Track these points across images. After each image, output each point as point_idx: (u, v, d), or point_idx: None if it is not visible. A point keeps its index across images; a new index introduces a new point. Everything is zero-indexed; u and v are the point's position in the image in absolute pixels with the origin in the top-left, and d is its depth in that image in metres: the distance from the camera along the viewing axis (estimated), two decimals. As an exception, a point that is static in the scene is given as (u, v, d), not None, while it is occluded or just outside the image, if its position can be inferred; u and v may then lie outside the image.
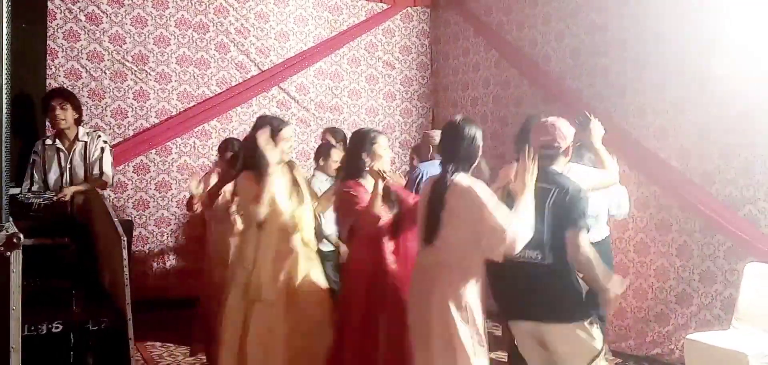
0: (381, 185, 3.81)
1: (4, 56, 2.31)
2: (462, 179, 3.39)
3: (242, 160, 4.12)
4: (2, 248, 2.30)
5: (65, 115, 5.17)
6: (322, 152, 5.52)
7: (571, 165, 3.76)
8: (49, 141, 5.25)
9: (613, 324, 5.66)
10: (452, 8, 8.13)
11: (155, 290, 6.66)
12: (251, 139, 3.93)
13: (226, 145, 5.71)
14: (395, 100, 8.19)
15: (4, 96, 2.32)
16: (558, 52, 6.63)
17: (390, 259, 3.93)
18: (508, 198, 3.43)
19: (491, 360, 3.61)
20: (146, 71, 6.78)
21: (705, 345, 4.44)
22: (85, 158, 5.25)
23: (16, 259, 2.34)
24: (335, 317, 3.98)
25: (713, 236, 5.19)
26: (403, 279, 3.80)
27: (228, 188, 4.79)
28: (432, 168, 5.26)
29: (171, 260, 6.88)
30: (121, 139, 6.65)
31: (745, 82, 4.99)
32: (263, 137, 3.81)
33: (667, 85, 5.49)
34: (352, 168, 4.03)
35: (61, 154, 5.19)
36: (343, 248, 4.93)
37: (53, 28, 6.37)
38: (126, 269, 3.42)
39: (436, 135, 5.99)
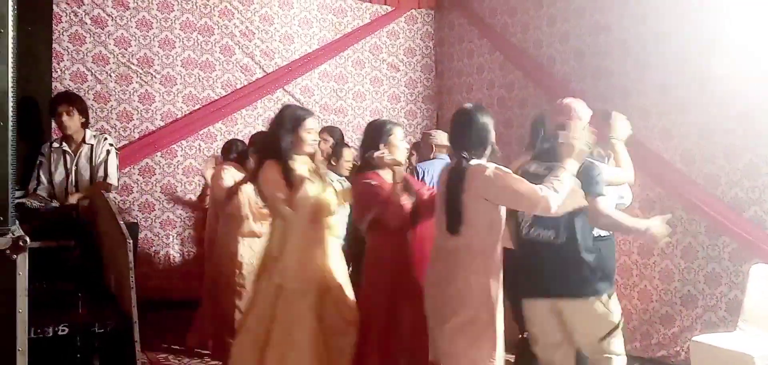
0: (401, 172, 3.82)
1: (11, 59, 2.32)
2: (477, 162, 3.43)
3: (264, 148, 4.01)
4: (9, 251, 2.31)
5: (71, 121, 5.19)
6: (335, 152, 5.50)
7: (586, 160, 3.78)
8: (55, 144, 5.27)
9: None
10: (456, 10, 8.14)
11: (161, 292, 6.67)
12: (275, 127, 3.86)
13: (230, 146, 5.72)
14: (400, 102, 8.19)
15: (11, 99, 2.33)
16: (562, 53, 6.62)
17: (411, 250, 3.95)
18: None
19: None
20: (151, 74, 6.80)
21: (711, 347, 4.43)
22: (91, 160, 5.26)
23: (22, 262, 2.34)
24: (359, 312, 3.95)
25: (718, 237, 5.18)
26: (422, 270, 3.80)
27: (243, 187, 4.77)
28: (431, 167, 5.26)
29: (177, 262, 6.89)
30: (127, 141, 6.67)
31: (746, 83, 4.98)
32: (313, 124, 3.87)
33: (670, 86, 5.49)
34: (369, 161, 3.97)
35: (68, 156, 5.21)
36: None
37: (59, 31, 6.39)
38: (132, 272, 3.42)
39: (437, 135, 6.00)
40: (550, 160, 3.52)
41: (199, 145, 7.04)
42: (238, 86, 7.22)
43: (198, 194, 6.77)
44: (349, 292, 3.95)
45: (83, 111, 5.32)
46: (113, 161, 5.36)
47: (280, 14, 7.45)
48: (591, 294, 3.53)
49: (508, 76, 7.32)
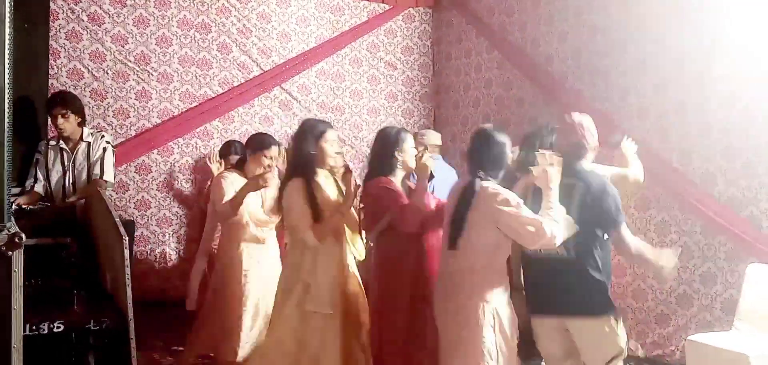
0: (427, 176, 3.81)
1: (7, 57, 2.32)
2: (491, 186, 3.45)
3: (289, 165, 3.99)
4: (4, 248, 2.30)
5: (67, 122, 5.18)
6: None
7: (594, 165, 3.81)
8: (52, 142, 5.26)
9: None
10: (454, 9, 8.14)
11: (157, 290, 6.67)
12: (299, 143, 3.85)
13: (229, 148, 5.67)
14: (397, 100, 8.19)
15: (7, 97, 2.32)
16: (560, 53, 6.63)
17: (429, 255, 3.92)
18: (534, 203, 3.50)
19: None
20: (148, 71, 6.79)
21: (706, 346, 4.44)
22: (88, 158, 5.26)
23: (17, 258, 2.34)
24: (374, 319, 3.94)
25: (714, 237, 5.19)
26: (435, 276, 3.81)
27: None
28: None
29: (173, 260, 6.88)
30: (123, 139, 6.65)
31: (745, 83, 4.99)
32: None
33: (668, 86, 5.50)
34: (383, 165, 3.96)
35: (65, 154, 5.20)
36: None
37: (55, 29, 6.37)
38: (128, 270, 3.42)
39: (428, 135, 6.01)
40: (565, 176, 3.53)
41: (196, 142, 7.03)
42: (235, 84, 7.21)
43: (197, 190, 6.77)
44: (366, 316, 3.99)
45: (79, 111, 5.30)
46: (110, 158, 5.35)
47: (277, 12, 7.44)
48: (600, 313, 3.53)
49: (506, 75, 7.32)
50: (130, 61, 6.70)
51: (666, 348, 5.41)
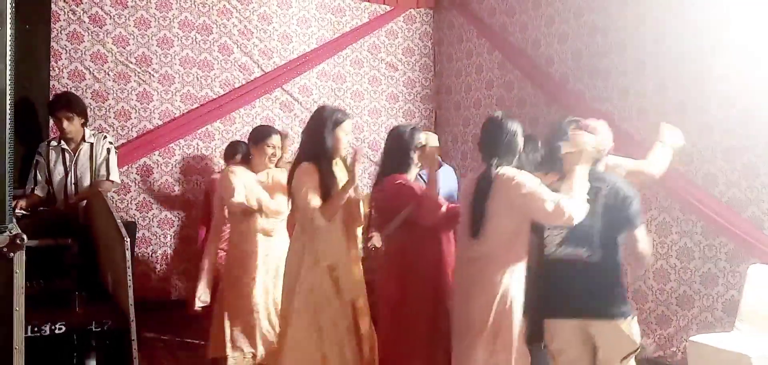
0: (436, 166, 3.80)
1: (8, 58, 2.32)
2: (507, 170, 3.47)
3: (302, 148, 3.90)
4: (5, 249, 2.31)
5: (72, 125, 5.18)
6: None
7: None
8: (53, 142, 5.26)
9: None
10: (455, 10, 8.14)
11: (158, 291, 6.68)
12: (315, 128, 3.80)
13: (235, 148, 5.63)
14: (398, 101, 8.19)
15: (8, 98, 2.33)
16: (560, 54, 6.63)
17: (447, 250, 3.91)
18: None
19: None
20: (150, 73, 6.80)
21: (708, 347, 4.44)
22: (91, 159, 5.26)
23: (19, 260, 2.34)
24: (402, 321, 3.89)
25: (715, 238, 5.18)
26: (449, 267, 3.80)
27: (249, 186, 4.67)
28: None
29: (174, 261, 6.88)
30: (125, 140, 6.66)
31: (746, 83, 4.99)
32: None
33: (668, 86, 5.50)
34: (399, 162, 3.95)
35: (67, 155, 5.20)
36: None
37: (57, 30, 6.38)
38: (129, 271, 3.42)
39: (429, 138, 6.00)
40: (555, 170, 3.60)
41: (198, 144, 7.03)
42: (237, 85, 7.22)
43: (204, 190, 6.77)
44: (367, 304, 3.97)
45: (83, 113, 5.31)
46: (114, 160, 5.36)
47: (278, 13, 7.45)
48: (621, 315, 3.54)
49: (507, 76, 7.32)
50: (132, 63, 6.71)
51: (667, 349, 5.41)
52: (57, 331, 3.36)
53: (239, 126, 7.18)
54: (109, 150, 5.33)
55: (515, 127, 3.59)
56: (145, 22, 6.78)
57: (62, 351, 3.60)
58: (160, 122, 6.85)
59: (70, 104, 5.21)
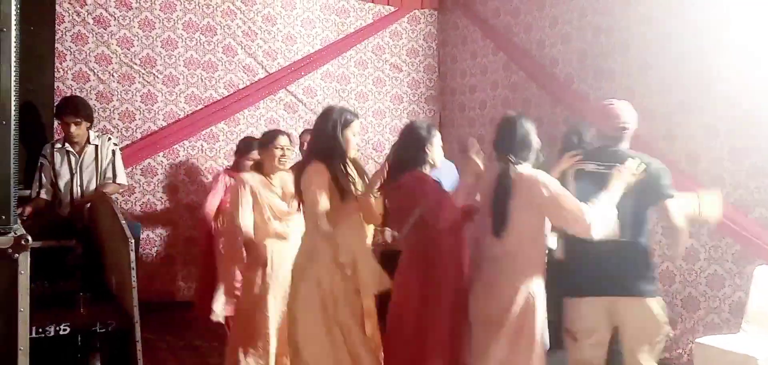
0: (475, 168, 3.73)
1: (13, 59, 2.32)
2: (526, 169, 3.48)
3: (314, 148, 3.83)
4: (11, 250, 2.30)
5: (79, 129, 5.18)
6: None
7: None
8: (58, 144, 5.26)
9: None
10: (460, 11, 8.13)
11: (162, 292, 6.68)
12: (324, 128, 3.75)
13: (249, 145, 5.49)
14: (402, 102, 8.19)
15: (13, 99, 2.33)
16: (565, 54, 6.62)
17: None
18: (578, 190, 3.55)
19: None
20: (154, 74, 6.80)
21: (714, 349, 4.42)
22: (96, 161, 5.26)
23: (24, 261, 2.34)
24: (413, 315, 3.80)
25: (721, 239, 5.16)
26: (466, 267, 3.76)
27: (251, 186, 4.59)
28: (439, 173, 5.20)
29: (178, 263, 6.88)
30: (129, 142, 6.67)
31: (751, 84, 4.97)
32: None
33: (674, 86, 5.48)
34: (415, 158, 3.80)
35: (72, 157, 5.20)
36: None
37: (61, 31, 6.39)
38: (133, 272, 3.42)
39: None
40: (605, 160, 3.63)
41: (202, 145, 7.04)
42: (241, 87, 7.22)
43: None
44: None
45: (90, 117, 5.31)
46: (120, 162, 5.37)
47: (282, 14, 7.45)
48: (650, 294, 3.62)
49: (512, 77, 7.31)
50: (136, 64, 6.72)
51: (673, 351, 5.38)
52: (61, 332, 3.37)
53: (244, 127, 7.18)
54: (114, 152, 5.33)
55: (528, 126, 3.60)
56: (150, 24, 6.79)
57: (67, 352, 3.60)
58: (165, 124, 6.85)
59: (79, 110, 5.21)
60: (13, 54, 2.32)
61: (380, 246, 5.19)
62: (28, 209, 4.96)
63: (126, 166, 6.09)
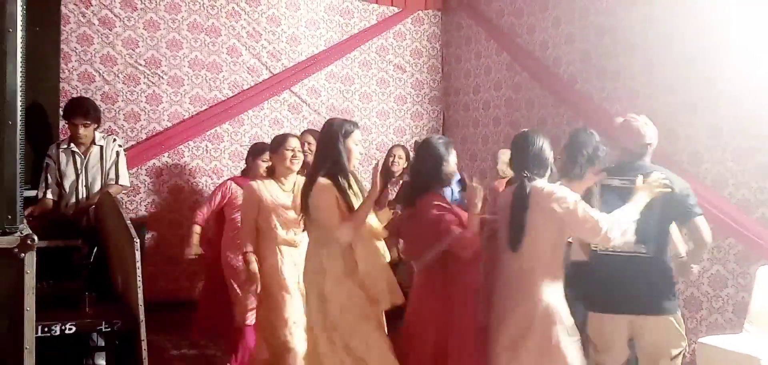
0: (480, 194, 3.60)
1: (19, 60, 2.34)
2: (541, 183, 3.50)
3: (318, 163, 3.79)
4: (17, 250, 2.32)
5: (87, 131, 5.21)
6: None
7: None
8: (64, 145, 5.28)
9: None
10: (463, 12, 8.14)
11: (167, 292, 6.69)
12: (327, 142, 3.76)
13: (262, 148, 5.40)
14: (406, 103, 8.20)
15: (19, 100, 2.34)
16: (568, 55, 6.62)
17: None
18: (602, 203, 3.63)
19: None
20: (159, 75, 6.82)
21: (717, 349, 4.42)
22: (100, 162, 5.28)
23: (30, 260, 2.36)
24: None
25: (725, 239, 5.16)
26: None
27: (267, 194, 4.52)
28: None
29: (183, 263, 6.89)
30: (134, 142, 6.69)
31: (755, 84, 4.97)
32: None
33: (677, 87, 5.48)
34: (433, 179, 3.70)
35: (77, 158, 5.22)
36: None
37: (67, 32, 6.41)
38: (139, 272, 3.44)
39: None
40: (630, 175, 3.69)
41: (206, 146, 7.05)
42: (245, 87, 7.23)
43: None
44: None
45: (98, 119, 5.34)
46: (123, 163, 5.39)
47: (286, 15, 7.47)
48: (671, 311, 3.67)
49: (516, 78, 7.32)
50: (141, 65, 6.74)
51: (676, 350, 5.39)
52: (67, 331, 3.39)
53: (248, 128, 7.20)
54: (118, 153, 5.35)
55: (542, 142, 3.60)
56: (155, 25, 6.81)
57: (72, 351, 3.62)
58: (170, 124, 6.87)
59: (88, 112, 5.22)
60: (19, 55, 2.34)
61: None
62: (35, 210, 4.99)
63: (131, 166, 6.13)
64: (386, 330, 3.82)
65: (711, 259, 5.23)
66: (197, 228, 5.36)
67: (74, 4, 6.45)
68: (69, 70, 6.40)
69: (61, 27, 6.37)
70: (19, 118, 2.34)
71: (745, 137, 5.04)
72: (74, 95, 6.10)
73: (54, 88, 6.17)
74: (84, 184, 5.22)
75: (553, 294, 3.45)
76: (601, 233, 3.30)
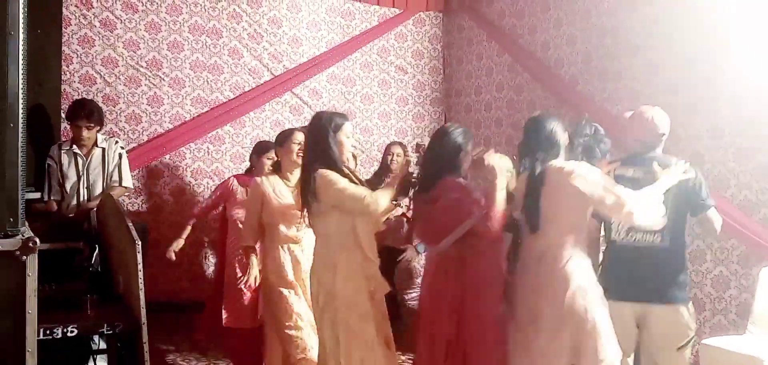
0: (505, 177, 3.62)
1: (21, 62, 2.34)
2: (560, 162, 3.52)
3: (312, 156, 3.74)
4: (18, 252, 2.32)
5: (90, 133, 5.21)
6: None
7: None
8: (65, 146, 5.28)
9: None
10: (465, 13, 8.13)
11: (169, 293, 6.68)
12: (318, 135, 3.72)
13: (267, 146, 5.38)
14: (408, 104, 8.19)
15: (21, 102, 2.34)
16: (570, 56, 6.62)
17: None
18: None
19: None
20: (160, 77, 6.82)
21: (720, 350, 4.42)
22: (102, 164, 5.28)
23: (32, 263, 2.36)
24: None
25: (727, 240, 5.15)
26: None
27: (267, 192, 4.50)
28: None
29: (185, 265, 6.89)
30: (136, 144, 6.68)
31: (757, 84, 4.96)
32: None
33: (679, 87, 5.47)
34: (451, 165, 3.70)
35: (79, 159, 5.22)
36: None
37: (68, 34, 6.41)
38: (141, 274, 3.44)
39: None
40: (644, 165, 3.72)
41: (208, 147, 7.05)
42: (247, 89, 7.23)
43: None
44: None
45: (101, 121, 5.35)
46: (126, 165, 5.40)
47: (288, 17, 7.46)
48: (682, 300, 3.69)
49: (517, 79, 7.31)
50: (142, 67, 6.74)
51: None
52: (69, 333, 3.39)
53: (249, 129, 7.19)
54: (120, 155, 5.36)
55: (553, 124, 3.61)
56: (156, 27, 6.81)
57: (74, 354, 3.61)
58: (171, 126, 6.86)
59: (91, 115, 5.24)
60: (20, 57, 2.33)
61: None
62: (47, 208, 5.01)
63: (132, 168, 6.12)
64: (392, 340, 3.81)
65: (714, 260, 5.22)
66: (191, 222, 5.38)
67: (75, 6, 6.45)
68: (70, 72, 6.40)
69: (63, 29, 6.36)
70: (20, 120, 2.34)
71: (747, 137, 5.03)
72: (75, 97, 6.10)
73: (55, 90, 6.17)
74: (85, 186, 5.23)
75: (580, 271, 3.43)
76: (625, 209, 3.30)
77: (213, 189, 5.62)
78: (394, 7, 8.11)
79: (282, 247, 4.47)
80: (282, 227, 4.47)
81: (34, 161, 5.40)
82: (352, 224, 3.67)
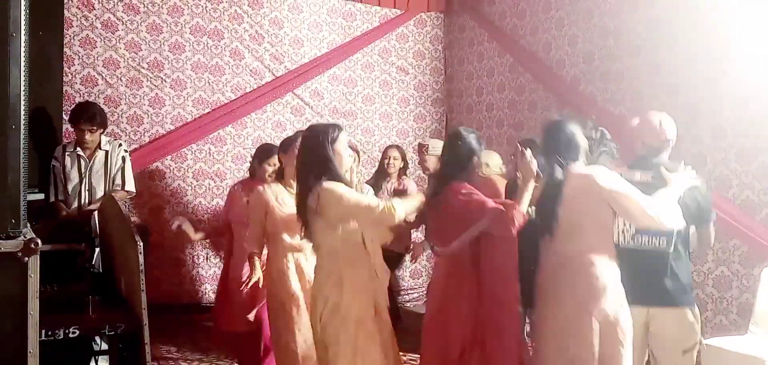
0: (532, 183, 3.57)
1: (22, 64, 2.34)
2: (580, 167, 3.52)
3: (315, 169, 3.62)
4: (20, 254, 2.32)
5: (93, 136, 5.21)
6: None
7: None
8: (69, 148, 5.29)
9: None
10: (466, 13, 8.13)
11: (171, 295, 6.69)
12: (314, 147, 3.63)
13: (268, 151, 5.31)
14: (409, 105, 8.19)
15: (23, 104, 2.34)
16: (571, 56, 6.61)
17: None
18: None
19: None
20: (162, 78, 6.83)
21: (722, 350, 4.40)
22: (105, 167, 5.29)
23: (34, 264, 2.36)
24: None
25: (729, 241, 5.15)
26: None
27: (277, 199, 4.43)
28: None
29: (186, 266, 6.90)
30: (137, 145, 6.69)
31: (759, 85, 4.96)
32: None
33: (681, 88, 5.47)
34: (462, 169, 3.68)
35: (82, 161, 5.23)
36: None
37: (70, 36, 6.42)
38: (142, 275, 3.44)
39: (431, 144, 5.98)
40: (652, 169, 3.70)
41: (209, 148, 7.05)
42: (248, 90, 7.23)
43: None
44: None
45: (104, 124, 5.34)
46: (129, 169, 5.40)
47: (289, 18, 7.46)
48: (687, 303, 3.70)
49: (519, 79, 7.31)
50: (144, 68, 6.74)
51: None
52: (71, 335, 3.38)
53: (251, 130, 7.20)
54: (124, 159, 5.36)
55: (573, 128, 3.62)
56: (157, 28, 6.82)
57: (76, 355, 3.61)
58: (172, 127, 6.87)
59: (94, 118, 5.24)
60: (22, 59, 2.34)
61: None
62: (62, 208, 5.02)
63: (134, 169, 6.12)
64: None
65: (715, 260, 5.22)
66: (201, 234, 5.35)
67: (77, 7, 6.46)
68: (72, 74, 6.41)
69: (64, 31, 6.37)
70: (22, 122, 2.34)
71: (749, 138, 5.03)
72: (77, 99, 6.12)
73: (57, 92, 6.18)
74: (87, 188, 5.23)
75: (603, 274, 3.43)
76: (651, 215, 3.32)
77: (223, 205, 5.57)
78: (395, 7, 8.11)
79: (286, 256, 4.42)
80: (285, 236, 4.40)
81: (38, 163, 5.41)
82: (359, 237, 3.61)
